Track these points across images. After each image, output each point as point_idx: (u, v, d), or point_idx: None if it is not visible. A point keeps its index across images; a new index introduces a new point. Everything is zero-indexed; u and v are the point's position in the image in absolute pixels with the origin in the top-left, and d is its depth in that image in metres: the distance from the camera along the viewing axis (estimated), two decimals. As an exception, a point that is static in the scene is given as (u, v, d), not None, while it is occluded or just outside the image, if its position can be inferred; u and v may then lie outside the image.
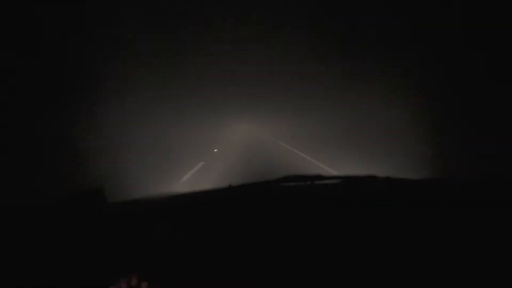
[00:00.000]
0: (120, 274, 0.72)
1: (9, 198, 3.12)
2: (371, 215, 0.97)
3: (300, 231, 0.88)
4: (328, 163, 8.74)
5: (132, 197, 1.32)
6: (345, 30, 5.65)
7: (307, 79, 10.10)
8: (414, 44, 4.90)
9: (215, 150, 14.88)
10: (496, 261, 0.74)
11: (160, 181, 7.15)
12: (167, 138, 11.61)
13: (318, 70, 8.63)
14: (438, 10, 3.84)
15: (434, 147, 4.97)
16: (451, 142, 4.52)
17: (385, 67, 6.08)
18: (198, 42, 6.61)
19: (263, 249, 0.80)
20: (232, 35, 6.44)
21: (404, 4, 4.09)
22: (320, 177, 1.35)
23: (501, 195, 1.12)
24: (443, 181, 1.46)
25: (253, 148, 15.61)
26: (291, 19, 5.54)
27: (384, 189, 1.29)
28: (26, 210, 1.03)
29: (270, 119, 30.40)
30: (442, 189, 1.28)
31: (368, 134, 8.52)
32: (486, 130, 3.75)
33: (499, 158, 3.49)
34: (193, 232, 0.91)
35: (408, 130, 5.93)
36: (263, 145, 17.62)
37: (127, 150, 7.88)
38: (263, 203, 1.14)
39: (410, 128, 5.83)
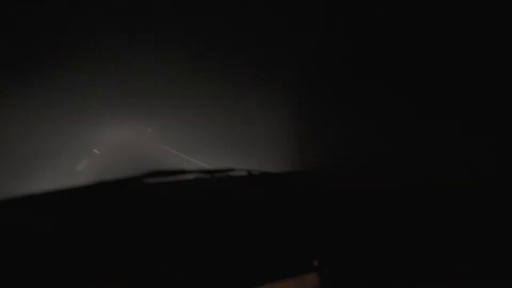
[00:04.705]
0: None
1: None
2: (228, 211, 0.99)
3: (159, 229, 0.84)
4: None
5: None
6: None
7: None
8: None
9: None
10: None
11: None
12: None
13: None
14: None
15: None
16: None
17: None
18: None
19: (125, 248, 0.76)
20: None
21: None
22: (182, 171, 1.31)
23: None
24: (302, 173, 1.57)
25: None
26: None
27: (242, 183, 1.33)
28: None
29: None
30: (300, 182, 1.37)
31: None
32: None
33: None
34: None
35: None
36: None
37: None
38: (125, 202, 1.08)
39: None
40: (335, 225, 0.92)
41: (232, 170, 1.40)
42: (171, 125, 17.75)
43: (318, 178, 1.45)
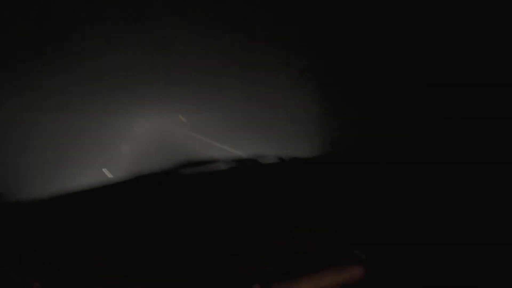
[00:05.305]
0: None
1: None
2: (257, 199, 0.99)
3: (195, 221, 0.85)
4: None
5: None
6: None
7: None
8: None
9: None
10: None
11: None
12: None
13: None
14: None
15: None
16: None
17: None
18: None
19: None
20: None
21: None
22: (215, 161, 1.33)
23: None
24: (333, 156, 1.55)
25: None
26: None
27: (274, 170, 1.33)
28: None
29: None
30: (332, 165, 1.37)
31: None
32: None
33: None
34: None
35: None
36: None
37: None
38: (163, 196, 1.10)
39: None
40: (373, 211, 0.91)
41: (263, 157, 1.40)
42: (200, 112, 17.88)
43: (350, 161, 1.42)
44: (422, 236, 0.87)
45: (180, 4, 4.56)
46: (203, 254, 0.75)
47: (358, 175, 1.17)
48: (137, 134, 19.40)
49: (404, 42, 3.02)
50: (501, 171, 1.03)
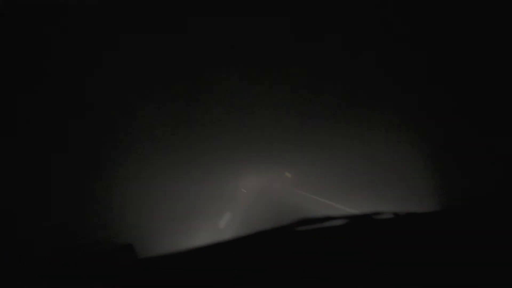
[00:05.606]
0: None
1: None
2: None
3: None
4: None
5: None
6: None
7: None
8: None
9: None
10: None
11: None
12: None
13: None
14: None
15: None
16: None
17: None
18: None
19: None
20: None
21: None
22: (330, 218, 1.40)
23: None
24: (456, 211, 1.49)
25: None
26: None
27: (390, 226, 1.33)
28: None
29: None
30: (453, 221, 1.32)
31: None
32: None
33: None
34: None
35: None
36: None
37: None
38: (284, 251, 1.18)
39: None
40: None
41: (378, 213, 1.42)
42: (309, 169, 17.99)
43: (471, 216, 1.35)
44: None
45: (287, 68, 4.80)
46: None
47: (475, 232, 1.11)
48: (244, 194, 20.15)
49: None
50: None
